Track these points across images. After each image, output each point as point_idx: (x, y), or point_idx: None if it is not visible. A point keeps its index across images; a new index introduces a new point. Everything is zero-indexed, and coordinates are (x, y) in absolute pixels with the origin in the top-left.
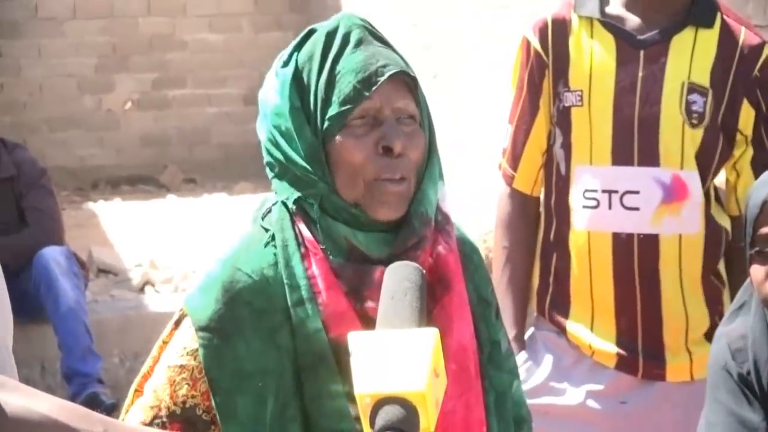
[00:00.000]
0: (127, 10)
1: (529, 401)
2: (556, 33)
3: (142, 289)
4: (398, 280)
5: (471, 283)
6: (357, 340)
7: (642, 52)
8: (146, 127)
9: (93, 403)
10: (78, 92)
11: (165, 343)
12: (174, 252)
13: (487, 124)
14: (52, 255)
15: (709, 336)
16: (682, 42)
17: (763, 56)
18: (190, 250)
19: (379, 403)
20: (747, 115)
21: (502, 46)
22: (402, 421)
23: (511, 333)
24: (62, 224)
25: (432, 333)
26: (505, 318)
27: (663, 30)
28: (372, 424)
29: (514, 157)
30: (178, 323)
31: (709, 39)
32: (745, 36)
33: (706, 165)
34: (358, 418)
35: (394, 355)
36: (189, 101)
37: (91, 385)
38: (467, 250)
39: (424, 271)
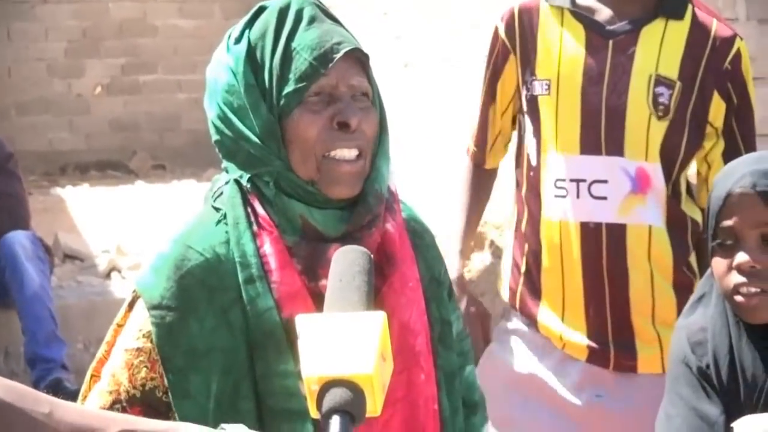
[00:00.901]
0: None
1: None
2: (524, 22)
3: (108, 275)
4: (347, 263)
5: (423, 262)
6: (304, 323)
7: (611, 42)
8: (116, 113)
9: (57, 389)
10: (48, 76)
11: (120, 326)
12: (142, 238)
13: (458, 114)
14: (18, 239)
15: (676, 303)
16: (651, 33)
17: (734, 49)
18: (158, 236)
19: (327, 386)
20: (717, 108)
21: (474, 35)
22: (349, 403)
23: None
24: (28, 209)
25: (380, 316)
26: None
27: (633, 21)
28: (319, 406)
29: (477, 143)
30: (131, 305)
31: (679, 31)
32: (716, 28)
33: (671, 158)
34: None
35: (342, 338)
36: (159, 87)
37: (55, 370)
38: (419, 229)
39: (372, 255)
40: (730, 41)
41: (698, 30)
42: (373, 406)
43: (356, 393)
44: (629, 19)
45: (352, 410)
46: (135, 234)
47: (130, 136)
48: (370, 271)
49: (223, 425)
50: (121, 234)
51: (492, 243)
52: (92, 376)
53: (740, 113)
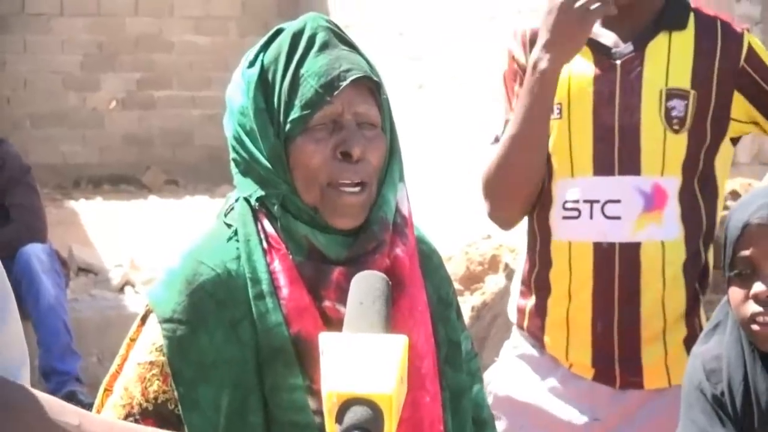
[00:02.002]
0: (114, 9)
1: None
2: (534, 46)
3: (121, 290)
4: (366, 287)
5: (430, 283)
6: (328, 340)
7: (618, 63)
8: (130, 127)
9: (71, 401)
10: (63, 89)
11: (132, 340)
12: (154, 253)
13: (472, 135)
14: (35, 252)
15: (686, 320)
16: (657, 48)
17: (745, 45)
18: (171, 251)
19: (347, 403)
20: (741, 105)
21: (488, 56)
22: (369, 421)
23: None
24: (45, 222)
25: (402, 340)
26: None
27: (637, 40)
28: (338, 422)
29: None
30: (144, 320)
31: (684, 41)
32: (722, 30)
33: (694, 168)
34: (316, 412)
35: (365, 358)
36: (173, 102)
37: (69, 383)
38: (427, 251)
39: (388, 280)
40: (738, 40)
41: (704, 35)
42: (390, 427)
43: (376, 412)
44: (633, 39)
45: (370, 428)
46: (148, 249)
47: (143, 151)
48: (389, 296)
49: None
50: (135, 248)
51: (506, 266)
52: (105, 390)
53: None
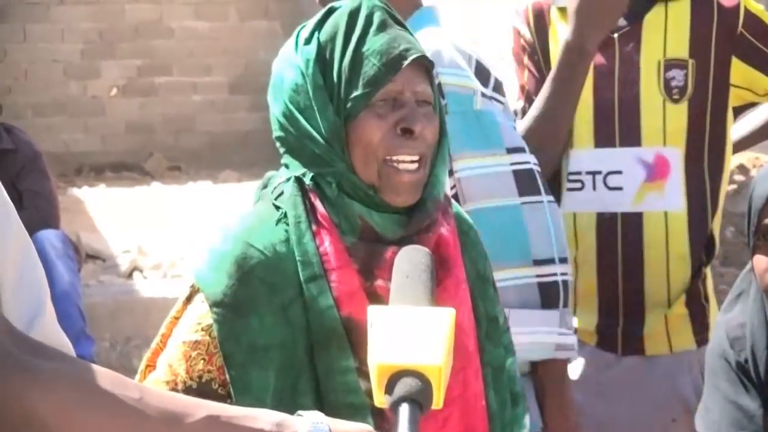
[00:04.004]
0: None
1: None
2: (537, 21)
3: (130, 275)
4: (412, 262)
5: (468, 259)
6: (377, 313)
7: (616, 36)
8: (131, 114)
9: None
10: (64, 78)
11: (176, 318)
12: (160, 239)
13: None
14: (48, 238)
15: (690, 290)
16: (653, 20)
17: (741, 12)
18: (176, 237)
19: (397, 375)
20: (739, 71)
21: (488, 41)
22: (418, 392)
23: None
24: (58, 208)
25: (450, 312)
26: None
27: (633, 13)
28: (388, 394)
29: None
30: (189, 299)
31: (681, 10)
32: None
33: (699, 137)
34: (367, 393)
35: (413, 331)
36: (174, 89)
37: None
38: (464, 227)
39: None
40: (734, 6)
41: (700, 4)
42: (438, 399)
43: (425, 383)
44: (630, 12)
45: (421, 400)
46: (153, 235)
47: (145, 138)
48: (434, 270)
49: (300, 412)
50: (140, 235)
51: None
52: (147, 366)
53: None
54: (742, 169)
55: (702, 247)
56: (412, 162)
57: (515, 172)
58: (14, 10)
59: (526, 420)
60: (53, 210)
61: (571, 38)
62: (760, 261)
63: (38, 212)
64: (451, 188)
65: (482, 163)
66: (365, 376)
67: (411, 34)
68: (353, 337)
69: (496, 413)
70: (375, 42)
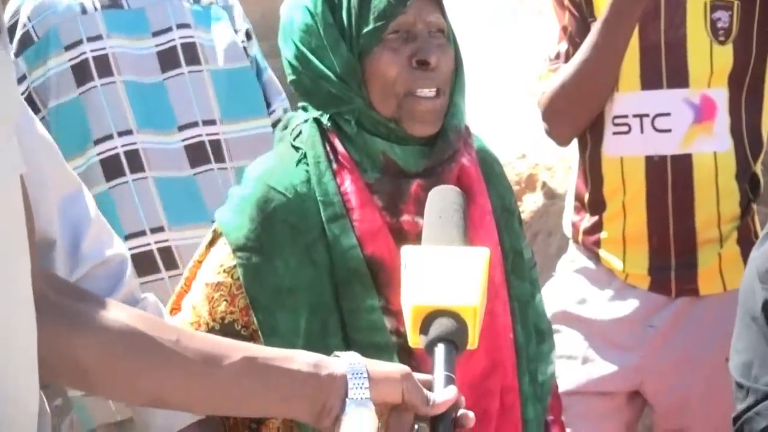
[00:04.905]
0: None
1: (557, 308)
2: None
3: None
4: (444, 201)
5: (494, 192)
6: (410, 254)
7: None
8: None
9: None
10: None
11: (199, 262)
12: None
13: (492, 63)
14: None
15: (740, 226)
16: None
17: None
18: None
19: (432, 315)
20: None
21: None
22: (454, 332)
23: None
24: None
25: (485, 252)
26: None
27: None
28: (423, 334)
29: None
30: (212, 242)
31: None
32: None
33: (741, 78)
34: (393, 331)
35: (448, 271)
36: None
37: None
38: (489, 160)
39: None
40: None
41: None
42: (473, 339)
43: (460, 324)
44: None
45: (456, 340)
46: None
47: None
48: (466, 209)
49: (336, 353)
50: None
51: (544, 184)
52: (172, 309)
53: None
54: None
55: (748, 183)
56: (431, 92)
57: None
58: None
59: (553, 356)
60: None
61: None
62: None
63: None
64: None
65: None
66: (391, 314)
67: None
68: (378, 275)
69: (522, 347)
70: None
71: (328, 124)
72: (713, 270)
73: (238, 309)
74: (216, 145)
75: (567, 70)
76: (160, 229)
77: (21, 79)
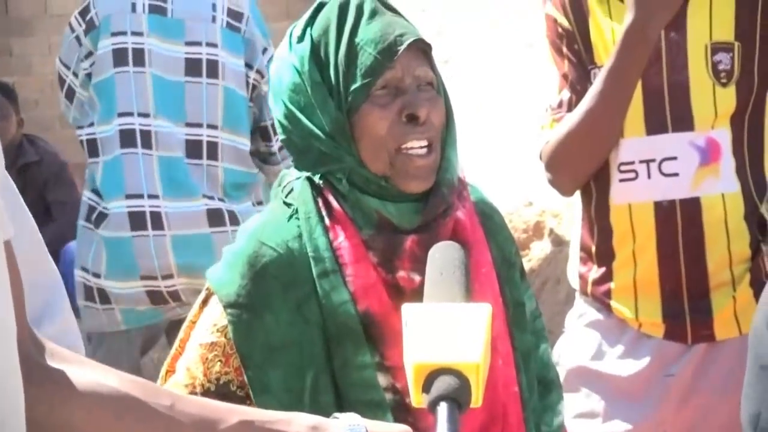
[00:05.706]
0: None
1: (571, 366)
2: (575, 8)
3: None
4: (445, 258)
5: (494, 243)
6: (411, 311)
7: None
8: None
9: None
10: None
11: (193, 322)
12: None
13: (501, 108)
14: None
15: (752, 268)
16: (698, 3)
17: None
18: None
19: (434, 373)
20: None
21: (514, 26)
22: (457, 391)
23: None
24: None
25: (486, 308)
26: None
27: None
28: (425, 392)
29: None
30: (205, 301)
31: None
32: None
33: (741, 119)
34: (387, 388)
35: (450, 328)
36: None
37: None
38: (488, 211)
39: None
40: None
41: None
42: (476, 396)
43: (463, 381)
44: None
45: (459, 398)
46: None
47: None
48: (468, 265)
49: (335, 414)
50: None
51: (551, 231)
52: (167, 371)
53: None
54: None
55: (756, 224)
56: (422, 148)
57: None
58: (39, 23)
59: (561, 407)
60: None
61: (632, 22)
62: None
63: (68, 223)
64: None
65: None
66: (385, 371)
67: (405, 19)
68: (372, 331)
69: (527, 400)
70: (368, 31)
71: (320, 183)
72: (728, 314)
73: (233, 369)
74: (213, 146)
75: (572, 119)
76: (156, 197)
77: (88, 55)
